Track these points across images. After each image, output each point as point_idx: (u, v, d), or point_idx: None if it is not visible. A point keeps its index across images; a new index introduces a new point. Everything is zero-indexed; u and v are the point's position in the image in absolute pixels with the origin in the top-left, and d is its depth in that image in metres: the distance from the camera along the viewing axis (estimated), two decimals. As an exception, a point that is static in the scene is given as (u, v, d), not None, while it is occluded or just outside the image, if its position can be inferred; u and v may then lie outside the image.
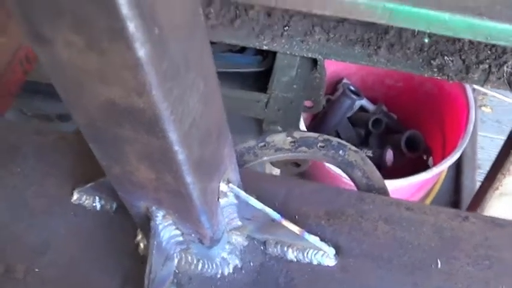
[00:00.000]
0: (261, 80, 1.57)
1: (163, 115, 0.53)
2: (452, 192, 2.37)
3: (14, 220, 0.89)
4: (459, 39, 1.29)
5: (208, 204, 0.70)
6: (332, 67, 2.30)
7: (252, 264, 0.84)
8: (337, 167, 0.96)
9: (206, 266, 0.82)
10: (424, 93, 2.36)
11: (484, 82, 1.33)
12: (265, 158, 0.96)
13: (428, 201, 2.33)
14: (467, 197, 2.25)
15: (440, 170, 2.02)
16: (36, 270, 0.85)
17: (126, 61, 0.47)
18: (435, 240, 0.84)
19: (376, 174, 0.94)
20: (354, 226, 0.86)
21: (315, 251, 0.82)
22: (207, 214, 0.70)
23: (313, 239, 0.81)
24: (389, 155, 2.20)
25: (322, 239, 0.82)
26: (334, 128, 2.36)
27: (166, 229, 0.75)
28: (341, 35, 1.36)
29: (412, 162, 2.26)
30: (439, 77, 1.34)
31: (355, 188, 0.95)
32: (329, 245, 0.83)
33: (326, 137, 0.97)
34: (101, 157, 0.64)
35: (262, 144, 0.98)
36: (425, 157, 2.39)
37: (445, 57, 1.32)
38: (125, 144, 0.59)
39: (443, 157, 2.05)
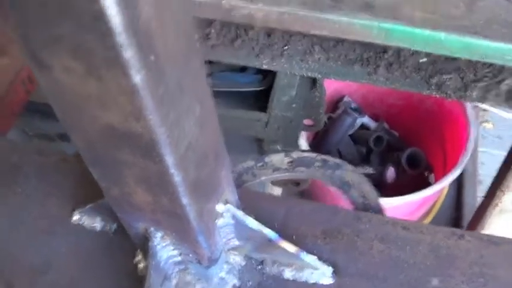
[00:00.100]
0: (261, 99, 1.59)
1: (160, 139, 0.54)
2: (454, 209, 2.37)
3: (15, 239, 0.91)
4: (457, 58, 1.30)
5: (206, 225, 0.71)
6: (333, 85, 2.32)
7: (250, 283, 0.85)
8: (334, 186, 0.97)
9: (204, 286, 0.82)
10: (424, 111, 2.38)
11: (482, 100, 1.34)
12: (263, 178, 0.98)
13: (429, 218, 2.34)
14: (468, 214, 2.26)
15: (441, 186, 2.03)
16: (37, 289, 0.87)
17: (122, 87, 0.48)
18: (431, 258, 0.85)
19: (373, 193, 0.95)
20: (350, 245, 0.87)
21: (312, 271, 0.83)
22: (204, 234, 0.71)
23: (310, 259, 0.82)
24: (390, 172, 2.21)
25: (319, 259, 0.83)
26: (335, 145, 2.37)
27: (165, 249, 0.76)
28: (340, 54, 1.38)
29: (413, 180, 2.27)
30: (437, 95, 1.35)
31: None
32: (326, 264, 0.84)
33: (323, 156, 0.98)
34: (100, 179, 0.65)
35: (260, 164, 0.99)
36: (426, 174, 2.39)
37: (443, 76, 1.33)
38: (123, 168, 0.60)
39: (444, 174, 2.06)
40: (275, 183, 1.28)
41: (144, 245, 0.76)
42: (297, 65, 1.40)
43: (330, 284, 0.83)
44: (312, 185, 1.99)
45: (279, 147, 1.40)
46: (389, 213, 0.95)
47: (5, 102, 1.21)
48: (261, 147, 1.48)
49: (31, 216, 0.93)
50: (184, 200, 0.63)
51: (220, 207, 0.74)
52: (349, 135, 2.43)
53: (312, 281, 0.84)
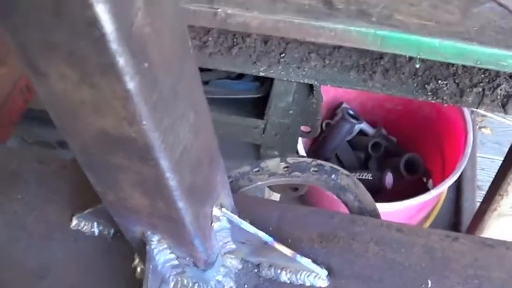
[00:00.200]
0: (258, 106, 1.60)
1: (154, 144, 0.55)
2: (453, 214, 2.38)
3: (14, 245, 0.92)
4: (453, 64, 1.32)
5: (202, 229, 0.72)
6: (331, 92, 2.33)
7: (246, 286, 0.86)
8: (330, 191, 0.98)
9: (202, 289, 0.84)
10: (422, 117, 2.39)
11: (478, 105, 1.35)
12: (259, 183, 0.99)
13: (428, 222, 2.34)
14: (467, 219, 2.26)
15: (439, 191, 2.04)
16: (36, 294, 0.88)
17: (117, 93, 0.49)
18: (426, 260, 0.86)
19: (368, 197, 0.96)
20: (345, 248, 0.88)
21: (308, 273, 0.84)
22: (200, 238, 0.72)
23: (306, 261, 0.83)
24: (388, 178, 2.22)
25: (314, 261, 0.84)
26: (334, 151, 2.38)
27: (162, 253, 0.77)
28: (336, 61, 1.39)
29: (411, 185, 2.27)
30: (433, 101, 1.36)
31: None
32: (321, 267, 0.85)
33: (319, 161, 0.99)
34: (96, 184, 0.66)
35: (256, 169, 1.00)
36: (424, 180, 2.40)
37: (439, 81, 1.34)
38: (119, 172, 0.61)
39: (442, 179, 2.06)
40: (273, 189, 1.28)
41: (141, 248, 0.77)
42: (294, 72, 1.41)
43: (326, 287, 0.84)
44: (309, 190, 1.99)
45: (276, 153, 1.41)
46: (387, 218, 0.96)
47: (4, 111, 1.22)
48: (258, 153, 1.48)
49: (30, 222, 0.94)
50: (180, 204, 0.64)
51: (216, 212, 0.75)
52: (348, 142, 2.45)
53: (307, 284, 0.85)
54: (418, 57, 1.20)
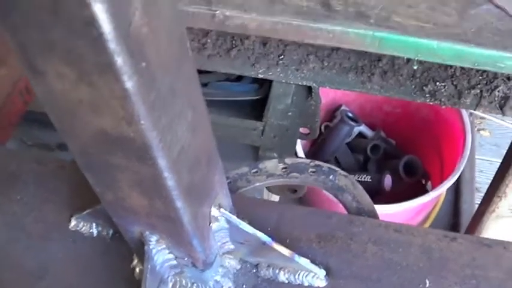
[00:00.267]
0: (257, 108, 1.60)
1: (152, 143, 0.55)
2: (451, 216, 2.38)
3: (13, 245, 0.92)
4: (451, 66, 1.32)
5: (200, 229, 0.72)
6: (330, 94, 2.34)
7: (245, 286, 0.86)
8: (328, 191, 0.98)
9: (200, 289, 0.84)
10: (421, 119, 2.39)
11: (476, 107, 1.35)
12: (257, 184, 0.99)
13: (427, 224, 2.35)
14: (465, 220, 2.27)
15: (437, 193, 2.04)
16: (34, 295, 0.88)
17: (114, 92, 0.49)
18: (423, 260, 0.86)
19: (366, 197, 0.97)
20: (343, 248, 0.88)
21: (306, 273, 0.84)
22: (198, 238, 0.73)
23: (304, 261, 0.83)
24: (387, 180, 2.22)
25: (313, 261, 0.84)
26: (333, 154, 2.38)
27: (160, 253, 0.77)
28: (335, 63, 1.39)
29: (410, 187, 2.28)
30: (431, 103, 1.37)
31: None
32: (320, 267, 0.85)
33: (317, 162, 1.00)
34: (94, 184, 0.67)
35: (254, 170, 1.00)
36: (423, 182, 2.41)
37: (437, 83, 1.35)
38: (117, 172, 0.62)
39: (441, 181, 2.07)
40: (272, 191, 1.29)
41: (140, 249, 0.77)
42: (292, 74, 1.41)
43: (324, 287, 0.85)
44: (308, 192, 2.00)
45: (275, 155, 1.42)
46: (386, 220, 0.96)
47: (3, 113, 1.22)
48: (257, 155, 1.49)
49: (29, 222, 0.94)
50: (178, 204, 0.65)
51: (214, 212, 0.75)
52: (347, 144, 2.45)
53: (306, 284, 0.85)
54: (416, 59, 1.21)
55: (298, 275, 0.84)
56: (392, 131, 2.52)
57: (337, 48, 1.36)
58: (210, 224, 0.76)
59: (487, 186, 1.53)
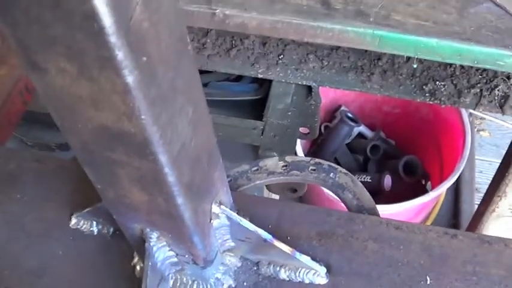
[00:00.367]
0: (257, 108, 1.60)
1: (153, 138, 0.55)
2: (451, 216, 2.38)
3: (13, 244, 0.92)
4: (450, 65, 1.32)
5: (200, 226, 0.72)
6: (330, 95, 2.34)
7: (245, 284, 0.86)
8: (328, 189, 0.98)
9: (201, 287, 0.83)
10: (420, 119, 2.39)
11: (475, 106, 1.35)
12: (258, 182, 0.99)
13: (427, 224, 2.35)
14: (465, 221, 2.27)
15: (437, 193, 2.04)
16: (35, 293, 0.88)
17: (115, 87, 0.49)
18: (424, 257, 0.86)
19: (366, 195, 0.97)
20: (344, 245, 0.88)
21: (307, 270, 0.84)
22: (199, 235, 0.73)
23: (305, 259, 0.83)
24: (387, 180, 2.22)
25: (313, 259, 0.84)
26: (332, 154, 2.38)
27: (161, 250, 0.77)
28: (335, 62, 1.39)
29: (410, 187, 2.28)
30: (431, 102, 1.37)
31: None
32: (320, 264, 0.85)
33: (317, 160, 1.00)
34: (95, 180, 0.67)
35: (255, 168, 1.00)
36: (423, 182, 2.41)
37: (437, 82, 1.35)
38: (118, 168, 0.62)
39: (441, 182, 2.07)
40: (272, 190, 1.29)
41: (140, 246, 0.77)
42: (292, 74, 1.41)
43: (325, 284, 0.85)
44: (308, 192, 2.00)
45: (275, 155, 1.42)
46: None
47: (3, 112, 1.22)
48: (257, 155, 1.49)
49: (29, 221, 0.94)
50: (179, 200, 0.65)
51: (215, 209, 0.75)
52: (346, 144, 2.45)
53: (307, 281, 0.85)
54: (416, 57, 1.21)
55: (299, 272, 0.85)
56: (392, 132, 2.53)
57: (337, 48, 1.37)
58: (210, 221, 0.76)
59: (486, 186, 1.53)
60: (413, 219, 2.25)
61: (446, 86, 1.34)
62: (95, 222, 0.92)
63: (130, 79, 0.49)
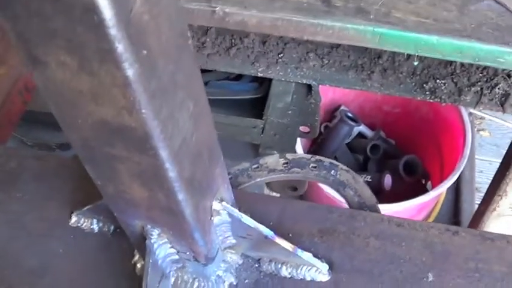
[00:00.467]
0: (257, 106, 1.60)
1: (153, 133, 0.55)
2: (452, 215, 2.38)
3: (14, 243, 0.92)
4: (451, 63, 1.32)
5: (202, 222, 0.72)
6: (330, 94, 2.34)
7: (247, 281, 0.86)
8: (329, 186, 0.98)
9: (202, 284, 0.83)
10: (420, 119, 2.39)
11: (476, 104, 1.35)
12: (258, 180, 0.99)
13: (428, 224, 2.34)
14: (466, 220, 2.26)
15: (437, 193, 2.04)
16: (36, 292, 0.88)
17: (115, 80, 0.49)
18: (426, 254, 0.86)
19: (367, 192, 0.96)
20: (346, 242, 0.88)
21: (309, 267, 0.84)
22: (200, 232, 0.72)
23: (307, 256, 0.83)
24: (387, 179, 2.22)
25: (315, 256, 0.84)
26: (332, 154, 2.38)
27: (162, 247, 0.77)
28: (335, 60, 1.39)
29: (410, 187, 2.27)
30: (431, 100, 1.36)
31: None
32: (322, 261, 0.84)
33: (318, 157, 0.99)
34: (95, 177, 0.66)
35: (255, 166, 1.00)
36: (423, 181, 2.41)
37: (437, 81, 1.35)
38: (118, 163, 0.61)
39: (441, 181, 2.07)
40: (272, 188, 1.28)
41: (141, 244, 0.77)
42: (292, 72, 1.41)
43: (326, 281, 0.84)
44: (308, 190, 2.00)
45: (275, 153, 1.42)
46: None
47: (2, 112, 1.22)
48: (257, 153, 1.49)
49: (30, 220, 0.94)
50: (180, 196, 0.64)
51: (216, 205, 0.75)
52: (346, 144, 2.45)
53: (308, 278, 0.85)
54: (416, 55, 1.20)
55: (301, 269, 0.84)
56: (392, 131, 2.52)
57: (337, 46, 1.36)
58: (211, 217, 0.76)
59: (487, 186, 1.53)
60: (414, 218, 2.24)
61: (446, 84, 1.34)
62: (95, 220, 0.91)
63: (130, 72, 0.48)
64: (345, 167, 0.99)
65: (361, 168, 2.45)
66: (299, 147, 2.08)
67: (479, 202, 1.59)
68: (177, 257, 0.80)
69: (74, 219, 0.92)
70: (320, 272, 0.84)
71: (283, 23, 1.17)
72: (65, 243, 0.91)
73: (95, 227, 0.92)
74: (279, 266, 0.85)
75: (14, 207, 0.95)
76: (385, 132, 2.52)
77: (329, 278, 0.84)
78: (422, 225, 0.89)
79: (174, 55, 0.55)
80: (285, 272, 0.85)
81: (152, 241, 0.75)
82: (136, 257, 0.85)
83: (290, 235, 0.88)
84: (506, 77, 1.31)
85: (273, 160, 1.00)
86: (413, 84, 1.37)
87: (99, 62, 0.48)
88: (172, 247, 0.78)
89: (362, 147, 2.43)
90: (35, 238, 0.92)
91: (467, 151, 2.08)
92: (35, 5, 0.45)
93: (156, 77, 0.52)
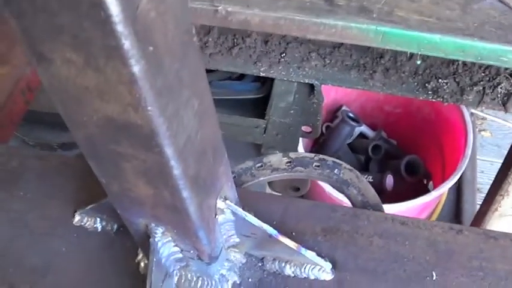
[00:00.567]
0: (259, 106, 1.60)
1: (159, 130, 0.55)
2: (453, 216, 2.38)
3: (17, 242, 0.91)
4: (453, 62, 1.32)
5: (206, 220, 0.72)
6: (331, 95, 2.34)
7: (250, 280, 0.85)
8: (333, 185, 0.98)
9: (205, 283, 0.83)
10: (422, 119, 2.39)
11: (478, 103, 1.35)
12: (262, 178, 0.99)
13: (430, 223, 2.34)
14: (468, 220, 2.26)
15: (439, 193, 2.04)
16: (39, 291, 0.87)
17: (122, 77, 0.49)
18: (430, 253, 0.86)
19: (371, 191, 0.96)
20: (349, 241, 0.87)
21: (312, 266, 0.84)
22: (204, 230, 0.72)
23: (310, 254, 0.83)
24: (389, 180, 2.22)
25: (318, 254, 0.84)
26: (334, 154, 2.38)
27: (166, 246, 0.76)
28: (337, 60, 1.39)
29: (412, 187, 2.27)
30: (433, 100, 1.36)
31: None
32: (326, 260, 0.84)
33: (321, 156, 0.99)
34: (100, 174, 0.66)
35: (259, 165, 1.00)
36: (425, 181, 2.40)
37: (440, 80, 1.35)
38: (123, 161, 0.61)
39: (443, 181, 2.07)
40: (275, 189, 1.28)
41: (145, 242, 0.76)
42: (294, 72, 1.41)
43: (330, 280, 0.84)
44: (310, 191, 2.00)
45: (277, 153, 1.42)
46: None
47: (5, 111, 1.22)
48: (259, 152, 1.49)
49: (33, 218, 0.94)
50: (185, 194, 0.64)
51: (220, 204, 0.75)
52: (348, 144, 2.45)
53: (312, 277, 0.84)
54: (419, 53, 1.20)
55: (304, 268, 0.84)
56: (394, 131, 2.52)
57: (339, 46, 1.36)
58: (215, 216, 0.76)
59: (488, 186, 1.53)
60: (415, 219, 2.24)
61: (449, 84, 1.34)
62: (98, 219, 0.91)
63: (136, 69, 0.48)
64: (348, 166, 0.98)
65: (362, 168, 2.45)
66: (301, 147, 2.08)
67: (480, 203, 1.59)
68: (180, 255, 0.80)
69: (77, 218, 0.92)
70: (324, 270, 0.84)
71: (286, 22, 1.17)
72: (68, 242, 0.91)
73: (98, 226, 0.91)
74: (283, 264, 0.85)
75: (16, 205, 0.95)
76: (387, 133, 2.52)
77: (332, 276, 0.84)
78: (426, 224, 0.89)
79: (179, 52, 0.55)
80: (288, 270, 0.85)
81: (156, 239, 0.75)
82: (140, 256, 0.85)
83: (293, 234, 0.88)
84: (509, 77, 1.31)
85: (276, 159, 1.00)
86: (416, 83, 1.37)
87: (106, 59, 0.48)
88: (176, 246, 0.78)
89: (364, 148, 2.43)
90: (37, 237, 0.92)
91: (468, 151, 2.08)
92: (41, 0, 0.45)
93: (162, 74, 0.52)
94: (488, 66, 1.30)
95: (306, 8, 1.17)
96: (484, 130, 2.74)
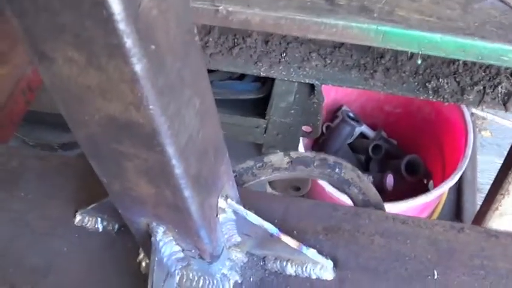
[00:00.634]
0: (259, 106, 1.60)
1: (161, 129, 0.55)
2: (454, 215, 2.38)
3: (17, 242, 0.91)
4: (453, 62, 1.32)
5: (207, 219, 0.72)
6: (332, 95, 2.34)
7: (252, 279, 0.85)
8: (334, 184, 0.98)
9: (207, 282, 0.83)
10: (422, 119, 2.39)
11: (479, 103, 1.35)
12: (263, 178, 0.98)
13: (431, 222, 2.34)
14: (468, 220, 2.26)
15: (439, 192, 2.04)
16: (41, 291, 0.87)
17: (124, 76, 0.49)
18: (431, 251, 0.86)
19: (372, 190, 0.96)
20: (351, 240, 0.87)
21: (314, 265, 0.84)
22: (206, 229, 0.72)
23: (312, 253, 0.82)
24: (389, 179, 2.22)
25: (320, 253, 0.84)
26: (334, 154, 2.36)
27: (167, 245, 0.76)
28: (337, 60, 1.39)
29: (412, 186, 2.27)
30: (434, 99, 1.36)
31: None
32: (327, 259, 0.84)
33: (322, 155, 0.99)
34: (101, 174, 0.66)
35: (260, 164, 1.00)
36: (425, 181, 2.40)
37: (440, 80, 1.35)
38: (125, 160, 0.61)
39: (443, 181, 2.07)
40: (275, 188, 1.28)
41: (146, 242, 0.76)
42: (295, 72, 1.41)
43: (331, 279, 0.84)
44: (310, 190, 2.00)
45: (278, 152, 1.42)
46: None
47: (5, 111, 1.22)
48: (260, 152, 1.49)
49: (33, 218, 0.93)
50: (186, 193, 0.64)
51: (221, 203, 0.75)
52: (348, 144, 2.45)
53: (313, 276, 0.84)
54: (420, 53, 1.20)
55: (306, 267, 0.84)
56: (394, 131, 2.52)
57: (340, 46, 1.36)
58: (217, 215, 0.76)
59: (488, 186, 1.53)
60: (416, 218, 2.24)
61: (449, 84, 1.34)
62: (99, 219, 0.91)
63: (138, 67, 0.48)
64: (349, 165, 0.98)
65: (363, 168, 2.45)
66: (301, 147, 2.08)
67: (480, 202, 1.59)
68: (182, 255, 0.80)
69: (78, 218, 0.92)
70: (325, 269, 0.84)
71: (287, 21, 1.17)
72: (69, 242, 0.91)
73: (100, 226, 0.91)
74: (284, 264, 0.85)
75: (16, 205, 0.95)
76: (387, 133, 2.52)
77: (334, 275, 0.84)
78: (427, 223, 0.89)
79: (181, 51, 0.55)
80: (290, 270, 0.85)
81: (157, 239, 0.75)
82: (141, 256, 0.85)
83: (295, 233, 0.88)
84: (509, 76, 1.31)
85: (277, 158, 1.00)
86: (416, 83, 1.37)
87: (107, 57, 0.48)
88: (177, 245, 0.78)
89: (364, 148, 2.43)
90: (38, 237, 0.92)
91: (469, 151, 2.08)
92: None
93: (163, 73, 0.52)
94: (488, 66, 1.30)
95: (307, 7, 1.17)
96: (484, 130, 2.74)
